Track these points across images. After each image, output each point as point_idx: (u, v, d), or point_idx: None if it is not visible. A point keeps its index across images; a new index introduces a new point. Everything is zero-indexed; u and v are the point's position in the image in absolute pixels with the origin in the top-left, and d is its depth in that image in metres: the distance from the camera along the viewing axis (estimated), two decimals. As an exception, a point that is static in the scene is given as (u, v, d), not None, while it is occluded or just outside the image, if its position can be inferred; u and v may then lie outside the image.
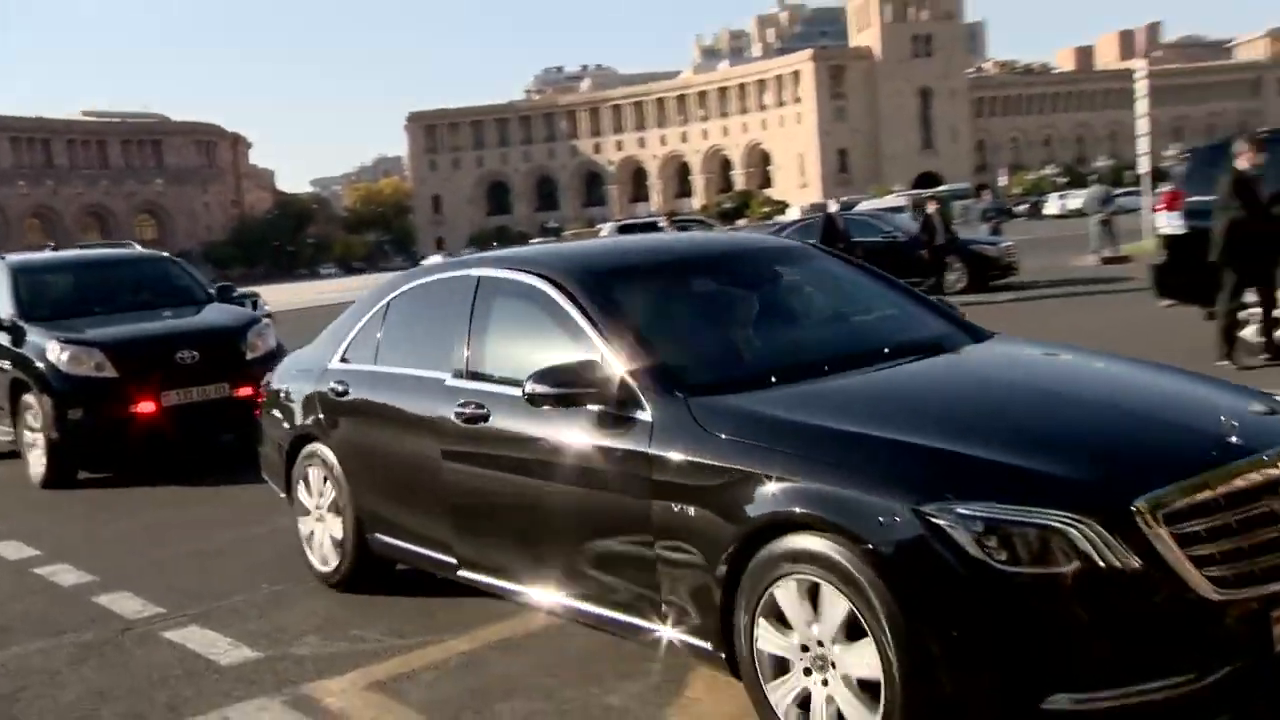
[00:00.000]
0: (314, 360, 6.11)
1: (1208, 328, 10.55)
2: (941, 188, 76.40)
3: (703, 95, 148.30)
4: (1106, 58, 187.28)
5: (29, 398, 9.31)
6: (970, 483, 3.19)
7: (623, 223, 33.17)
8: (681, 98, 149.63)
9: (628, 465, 3.95)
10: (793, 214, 53.20)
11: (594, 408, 4.08)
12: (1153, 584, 3.01)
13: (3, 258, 11.06)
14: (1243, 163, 9.95)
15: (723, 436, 3.72)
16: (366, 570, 5.76)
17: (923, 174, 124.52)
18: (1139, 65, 25.90)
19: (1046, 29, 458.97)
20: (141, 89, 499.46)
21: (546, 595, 4.49)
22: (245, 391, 8.94)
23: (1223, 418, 3.53)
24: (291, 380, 6.28)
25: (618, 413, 4.03)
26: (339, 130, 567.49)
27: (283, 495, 6.35)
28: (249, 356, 9.54)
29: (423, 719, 4.33)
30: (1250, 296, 10.15)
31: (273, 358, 9.42)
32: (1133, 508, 3.05)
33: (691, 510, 3.71)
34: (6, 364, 9.68)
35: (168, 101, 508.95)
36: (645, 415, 3.95)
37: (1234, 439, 3.39)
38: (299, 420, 6.04)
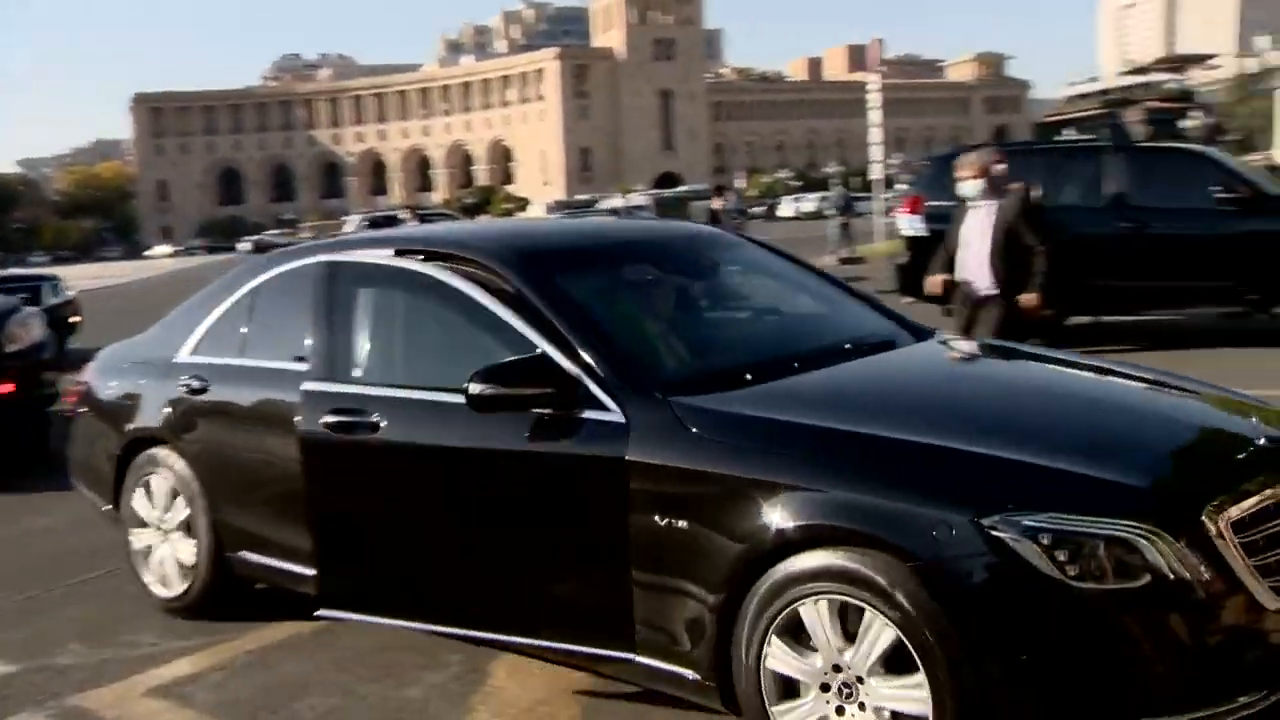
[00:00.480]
0: (153, 353, 5.32)
1: (947, 323, 11.31)
2: (682, 188, 78.42)
3: (446, 89, 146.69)
4: (835, 69, 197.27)
5: None
6: (1033, 492, 2.95)
7: (371, 215, 32.46)
8: (424, 91, 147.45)
9: (594, 475, 3.49)
10: (535, 210, 53.10)
11: (541, 411, 3.57)
12: (1223, 596, 2.85)
13: None
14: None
15: (719, 441, 3.34)
16: (222, 593, 5.04)
17: (663, 174, 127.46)
18: (872, 79, 27.51)
19: (780, 40, 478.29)
20: None
21: (469, 630, 3.92)
22: (5, 388, 8.19)
23: (1255, 420, 3.55)
24: (122, 375, 5.48)
25: (577, 415, 3.53)
26: (49, 109, 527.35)
27: (104, 507, 5.56)
28: (8, 349, 8.59)
29: (213, 724, 4.10)
30: None
31: (39, 350, 8.69)
32: (1203, 517, 2.91)
33: (683, 524, 3.31)
34: None
35: None
36: (613, 417, 3.47)
37: (1266, 442, 3.38)
38: (138, 421, 5.22)
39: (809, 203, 69.32)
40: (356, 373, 4.22)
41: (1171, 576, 2.79)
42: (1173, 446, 3.41)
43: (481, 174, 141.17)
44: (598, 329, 3.79)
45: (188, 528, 5.04)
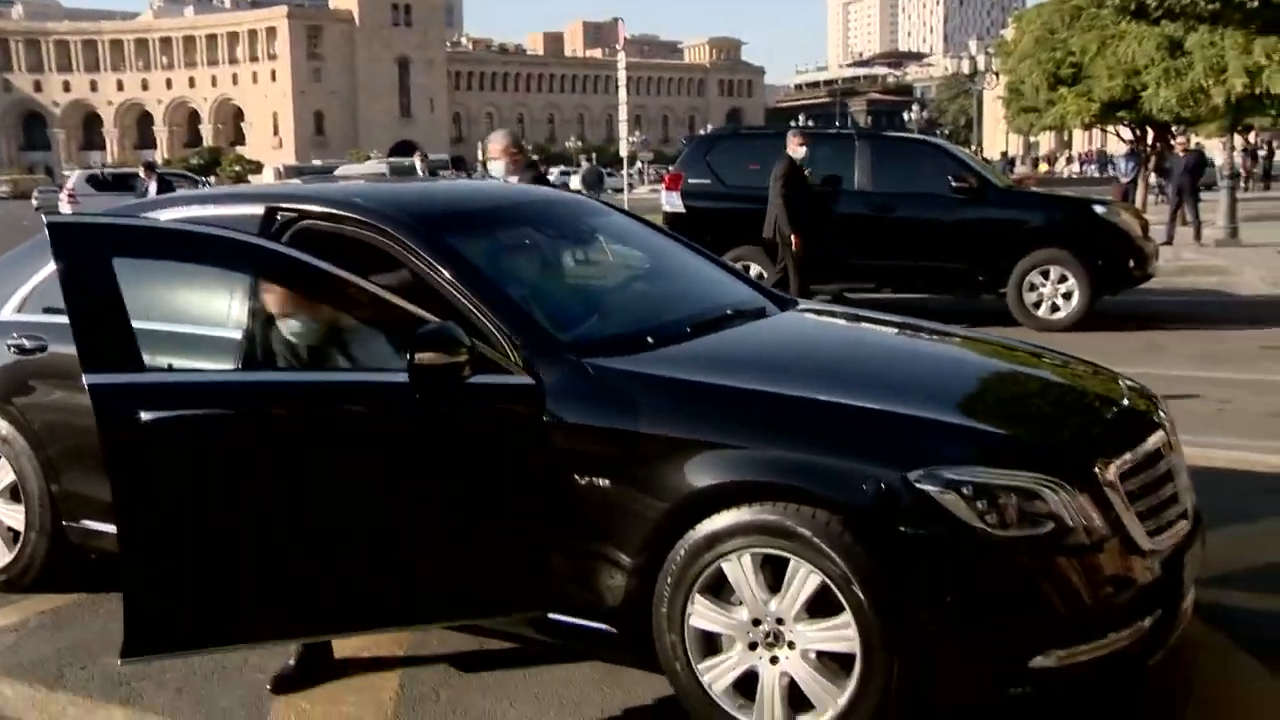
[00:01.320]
0: None
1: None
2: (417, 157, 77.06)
3: (167, 41, 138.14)
4: (574, 45, 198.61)
5: None
6: (952, 449, 3.19)
7: (97, 173, 30.36)
8: (143, 41, 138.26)
9: (508, 438, 3.47)
10: (267, 175, 49.72)
11: (452, 378, 3.35)
12: (1111, 538, 3.16)
13: None
14: (795, 151, 11.74)
15: (636, 401, 3.41)
16: (59, 564, 4.68)
17: (401, 142, 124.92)
18: (620, 58, 27.99)
19: (517, 13, 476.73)
20: None
21: (381, 628, 3.79)
22: None
23: (1122, 382, 3.97)
24: None
25: (485, 380, 3.42)
26: None
27: None
28: None
29: (18, 683, 3.98)
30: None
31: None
32: (1094, 469, 3.22)
33: (604, 482, 3.37)
34: None
35: None
36: (524, 380, 3.46)
37: (1130, 403, 3.79)
38: None
39: (554, 177, 69.79)
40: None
41: (1070, 523, 3.10)
42: (1061, 407, 3.80)
43: (209, 133, 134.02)
44: (502, 293, 3.75)
45: (13, 493, 4.70)
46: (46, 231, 3.41)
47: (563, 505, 3.44)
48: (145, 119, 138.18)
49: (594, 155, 40.88)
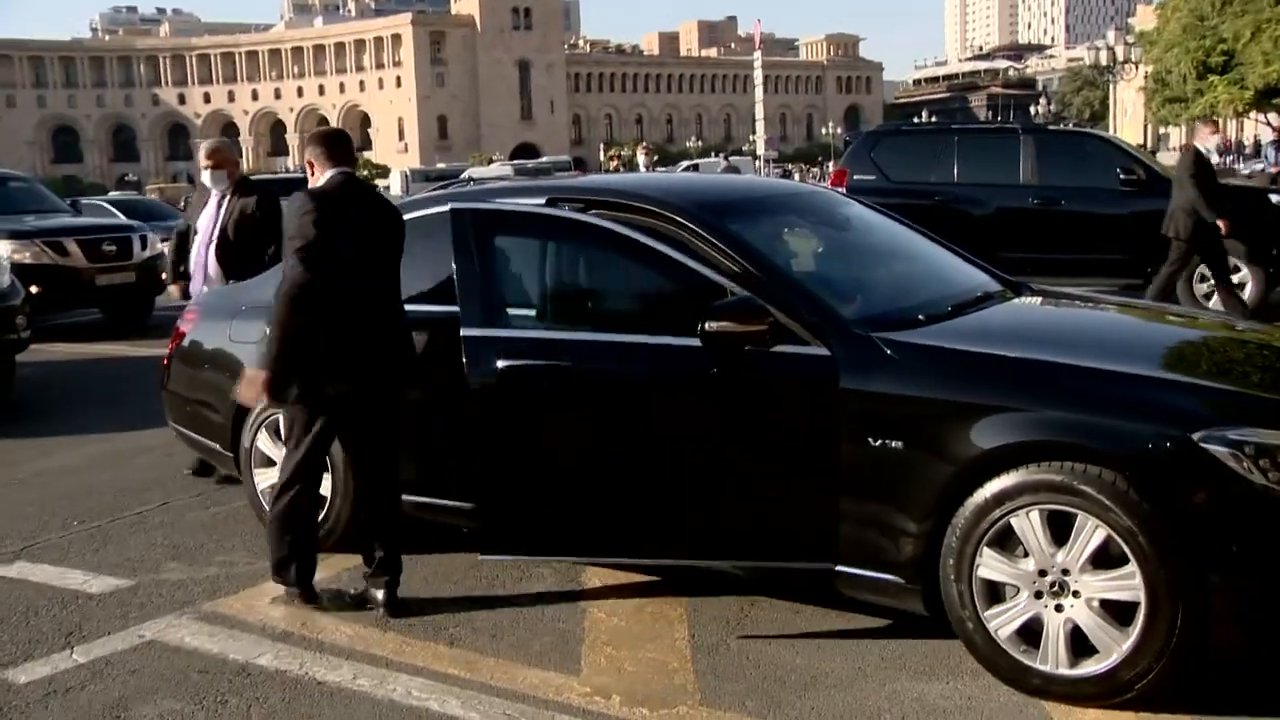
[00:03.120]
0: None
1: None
2: (543, 159, 78.35)
3: (298, 51, 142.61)
4: (688, 45, 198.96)
5: None
6: (1232, 412, 3.50)
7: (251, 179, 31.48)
8: (276, 52, 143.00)
9: (804, 403, 3.93)
10: (394, 179, 51.20)
11: (751, 347, 3.94)
12: None
13: None
14: (1206, 141, 11.47)
15: (925, 370, 3.80)
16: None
17: (521, 144, 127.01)
18: (755, 58, 28.26)
19: (633, 13, 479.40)
20: None
21: (661, 554, 4.30)
22: None
23: None
24: (246, 318, 5.52)
25: (784, 351, 3.93)
26: None
27: (223, 453, 5.70)
28: None
29: (355, 625, 4.49)
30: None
31: (7, 297, 8.72)
32: None
33: (896, 444, 3.74)
34: None
35: None
36: (822, 350, 3.90)
37: None
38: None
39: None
40: (565, 312, 4.57)
41: None
42: None
43: (352, 142, 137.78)
44: (787, 273, 4.26)
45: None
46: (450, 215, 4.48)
47: (855, 465, 3.84)
48: (278, 127, 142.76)
49: (729, 153, 40.99)
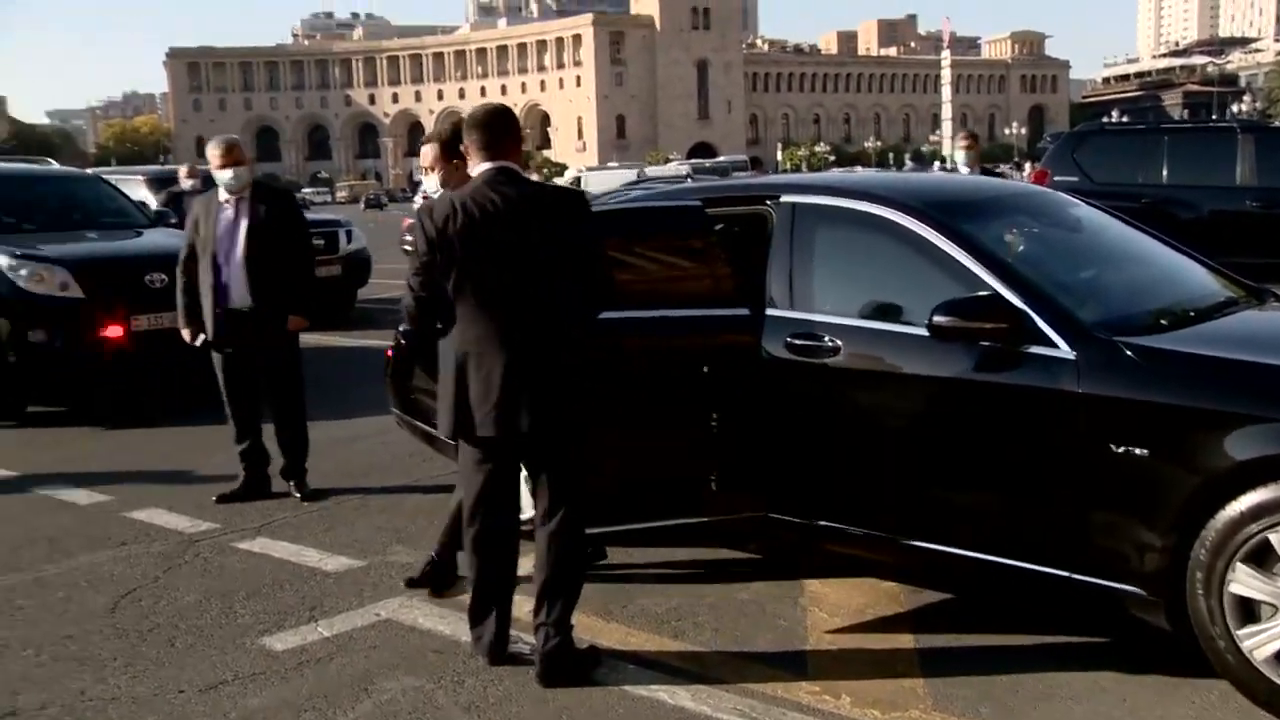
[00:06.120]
0: None
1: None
2: (720, 158, 78.38)
3: (482, 52, 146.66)
4: (867, 44, 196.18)
5: (-26, 319, 8.53)
6: None
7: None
8: (461, 53, 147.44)
9: (1045, 405, 3.84)
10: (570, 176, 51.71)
11: (988, 344, 3.94)
12: None
13: None
14: None
15: (1172, 376, 3.67)
16: None
17: (698, 144, 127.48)
18: (944, 57, 27.69)
19: (812, 13, 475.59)
20: None
21: (912, 540, 4.24)
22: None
23: None
24: None
25: (1026, 350, 3.89)
26: (79, 61, 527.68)
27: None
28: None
29: (581, 614, 4.58)
30: None
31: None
32: None
33: (1140, 452, 3.61)
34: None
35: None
36: (1060, 353, 3.82)
37: None
38: None
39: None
40: (807, 301, 4.58)
41: None
42: None
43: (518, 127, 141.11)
44: (1022, 274, 4.13)
45: None
46: (789, 211, 4.72)
47: (1094, 471, 3.71)
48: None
49: (920, 155, 40.27)
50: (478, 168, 3.96)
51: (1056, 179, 12.65)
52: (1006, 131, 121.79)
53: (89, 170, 14.67)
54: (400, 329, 6.05)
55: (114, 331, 8.47)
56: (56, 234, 9.36)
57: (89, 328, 8.43)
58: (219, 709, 3.87)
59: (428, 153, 4.88)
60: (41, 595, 5.03)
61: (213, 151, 6.22)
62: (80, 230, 9.68)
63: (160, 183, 13.59)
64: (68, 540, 5.78)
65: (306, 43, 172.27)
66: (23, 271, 8.48)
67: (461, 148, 4.09)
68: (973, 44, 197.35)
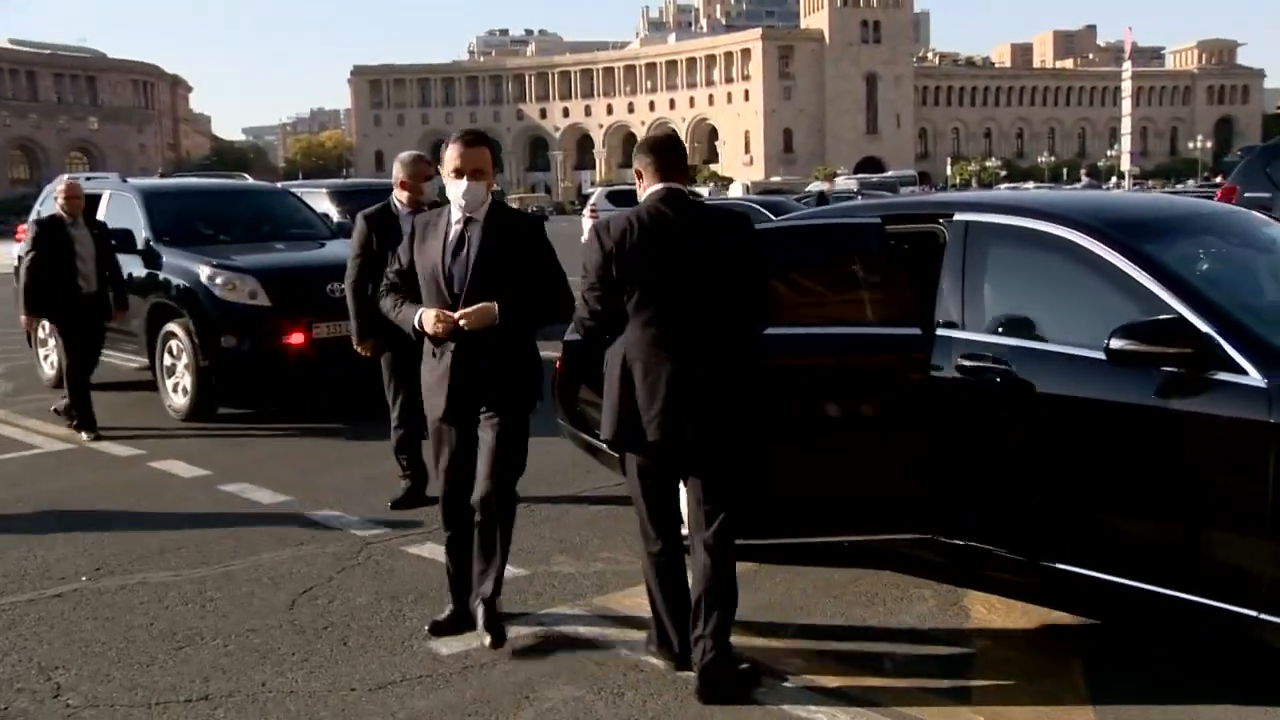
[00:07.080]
0: None
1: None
2: (888, 173, 77.30)
3: (651, 67, 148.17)
4: (1042, 56, 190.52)
5: (173, 325, 9.21)
6: None
7: (611, 189, 33.14)
8: (630, 68, 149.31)
9: (1230, 436, 3.68)
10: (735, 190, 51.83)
11: (1170, 370, 3.80)
12: None
13: (127, 181, 11.08)
14: None
15: None
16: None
17: (865, 158, 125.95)
18: (1125, 68, 26.75)
19: (986, 25, 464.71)
20: (76, 24, 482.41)
21: (1083, 569, 4.09)
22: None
23: None
24: None
25: (1211, 377, 3.72)
26: (272, 81, 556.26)
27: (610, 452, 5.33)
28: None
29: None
30: None
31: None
32: None
33: None
34: (147, 289, 9.54)
35: (104, 38, 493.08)
36: (1250, 380, 3.64)
37: None
38: None
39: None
40: (977, 322, 4.50)
41: None
42: None
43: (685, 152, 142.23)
44: (1222, 295, 3.98)
45: None
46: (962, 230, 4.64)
47: None
48: (629, 140, 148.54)
49: (1097, 170, 38.96)
50: (650, 188, 4.13)
51: (1247, 195, 12.05)
52: (1190, 145, 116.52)
53: (278, 184, 15.37)
54: (565, 339, 6.17)
55: (296, 338, 8.91)
56: (248, 245, 9.93)
57: (274, 334, 8.88)
58: (387, 708, 4.02)
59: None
60: (229, 589, 5.31)
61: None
62: (269, 241, 10.23)
63: (342, 196, 14.12)
64: (252, 538, 6.09)
65: (482, 59, 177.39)
66: (218, 280, 9.00)
67: (634, 169, 4.26)
68: (1156, 54, 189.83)
